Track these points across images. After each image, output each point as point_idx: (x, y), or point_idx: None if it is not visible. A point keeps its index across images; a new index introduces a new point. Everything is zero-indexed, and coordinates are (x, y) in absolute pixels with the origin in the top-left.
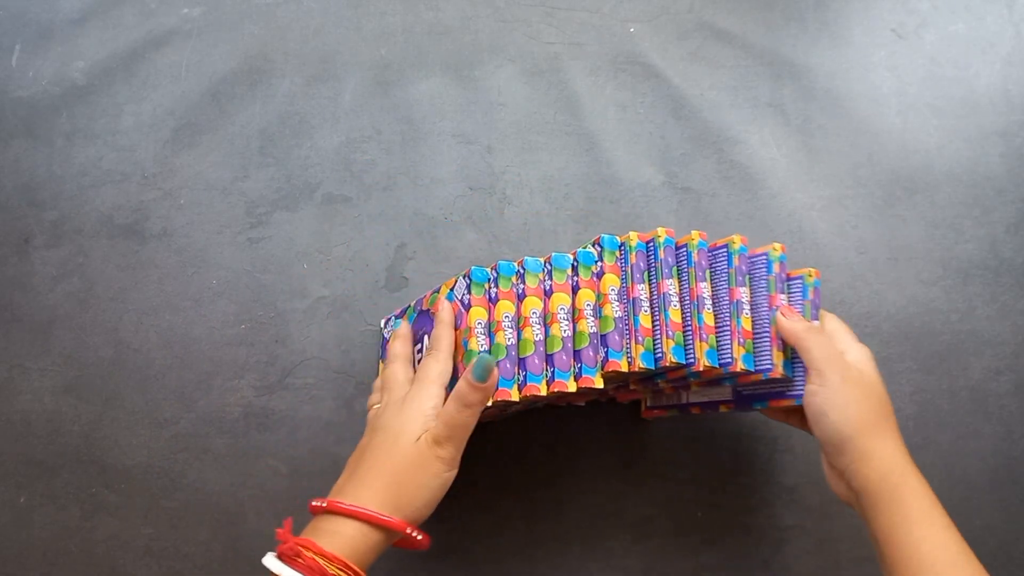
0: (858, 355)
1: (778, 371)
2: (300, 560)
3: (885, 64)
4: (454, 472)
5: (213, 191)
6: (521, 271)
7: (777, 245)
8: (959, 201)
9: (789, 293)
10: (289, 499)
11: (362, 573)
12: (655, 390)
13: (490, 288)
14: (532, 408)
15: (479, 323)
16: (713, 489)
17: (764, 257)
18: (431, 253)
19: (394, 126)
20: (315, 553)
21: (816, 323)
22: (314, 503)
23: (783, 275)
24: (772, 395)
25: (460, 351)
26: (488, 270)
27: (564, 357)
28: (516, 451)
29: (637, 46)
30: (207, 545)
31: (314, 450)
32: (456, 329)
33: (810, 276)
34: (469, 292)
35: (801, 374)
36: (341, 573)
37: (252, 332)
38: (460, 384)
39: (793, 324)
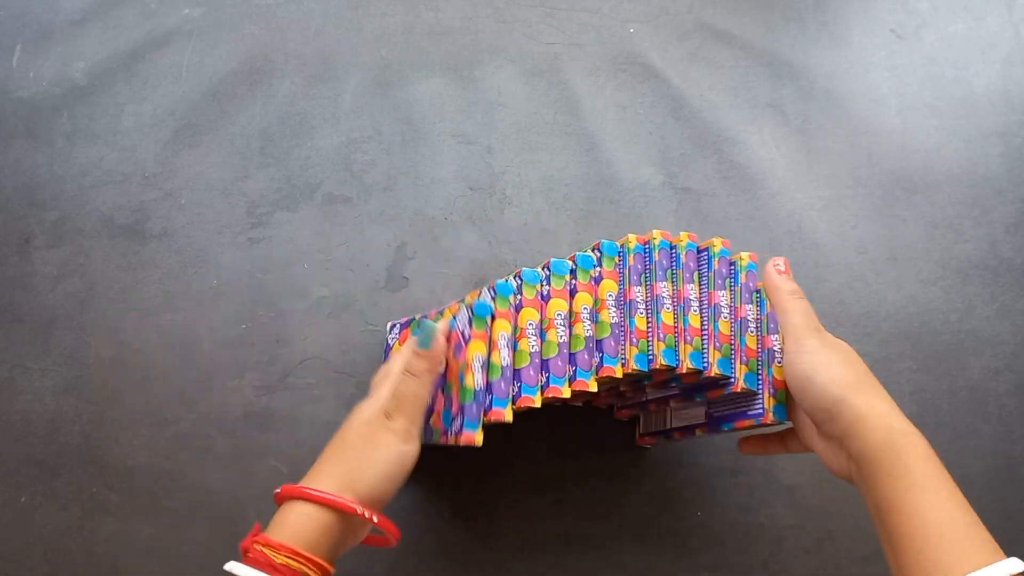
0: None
1: (740, 384)
2: (249, 554)
3: (884, 64)
4: (411, 447)
5: (214, 191)
6: (519, 282)
7: (745, 254)
8: (958, 201)
9: (755, 303)
10: None
11: (313, 556)
12: (641, 405)
13: (488, 318)
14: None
15: (477, 358)
16: (713, 489)
17: (733, 265)
18: (431, 253)
19: (394, 126)
20: (262, 545)
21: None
22: (276, 491)
23: (750, 285)
24: (737, 415)
25: (456, 384)
26: (488, 300)
27: (559, 363)
28: (516, 451)
29: (637, 46)
30: (208, 545)
31: (315, 450)
32: (455, 359)
33: (742, 260)
34: (470, 326)
35: (760, 390)
36: (290, 560)
37: (253, 332)
38: (405, 352)
39: (782, 283)
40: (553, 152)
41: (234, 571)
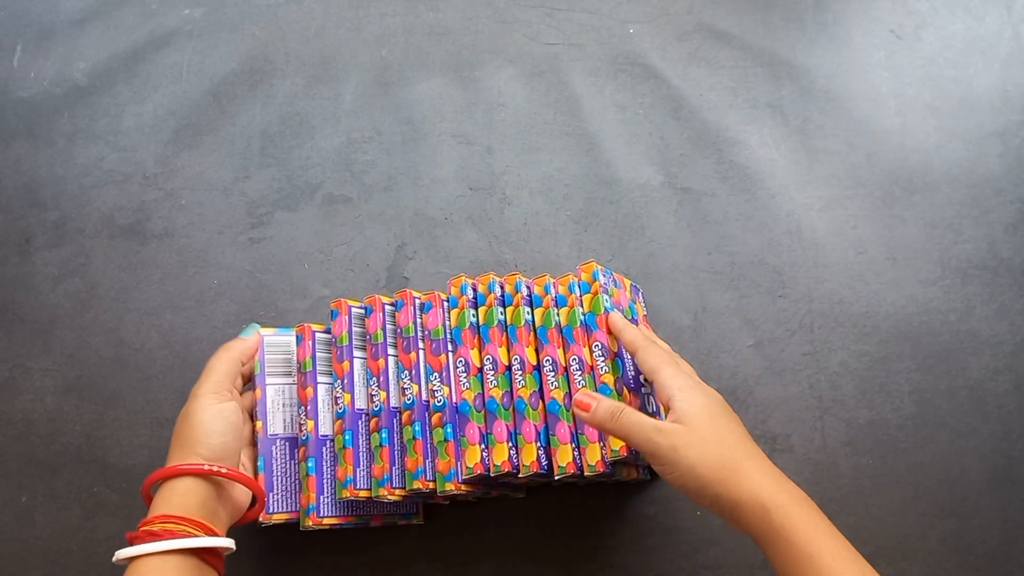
0: (687, 390)
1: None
2: (133, 541)
3: (884, 65)
4: (226, 404)
5: (214, 191)
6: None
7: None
8: (958, 201)
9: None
10: None
11: (185, 515)
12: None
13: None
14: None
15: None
16: None
17: None
18: (431, 253)
19: (394, 127)
20: (140, 524)
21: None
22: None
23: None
24: None
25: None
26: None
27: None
28: None
29: (637, 47)
30: None
31: None
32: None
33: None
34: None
35: None
36: (166, 524)
37: None
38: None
39: (602, 422)
40: (553, 152)
41: (122, 555)
